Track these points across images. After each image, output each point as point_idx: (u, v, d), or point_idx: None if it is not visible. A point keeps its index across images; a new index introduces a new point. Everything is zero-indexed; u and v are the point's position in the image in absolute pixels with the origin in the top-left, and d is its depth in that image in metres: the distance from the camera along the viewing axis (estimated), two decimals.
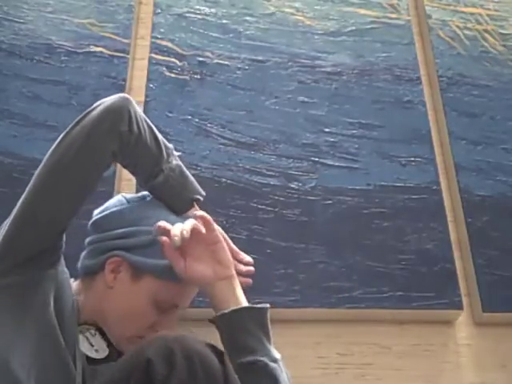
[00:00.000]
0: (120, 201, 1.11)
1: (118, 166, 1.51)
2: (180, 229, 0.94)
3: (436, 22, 1.85)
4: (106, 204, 1.13)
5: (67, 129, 1.00)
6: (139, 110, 1.05)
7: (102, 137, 0.97)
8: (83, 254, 1.10)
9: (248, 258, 1.11)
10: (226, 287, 0.97)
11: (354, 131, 1.62)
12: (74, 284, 1.06)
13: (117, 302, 1.01)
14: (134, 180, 1.48)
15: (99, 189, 1.43)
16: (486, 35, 1.85)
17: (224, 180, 1.50)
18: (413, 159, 1.60)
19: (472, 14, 1.89)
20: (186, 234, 0.93)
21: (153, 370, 0.83)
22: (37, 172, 0.98)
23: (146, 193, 1.13)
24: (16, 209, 0.97)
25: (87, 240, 1.11)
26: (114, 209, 1.08)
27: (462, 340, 1.41)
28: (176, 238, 0.92)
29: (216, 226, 1.01)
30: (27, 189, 0.99)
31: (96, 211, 1.13)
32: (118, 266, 1.03)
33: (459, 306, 1.40)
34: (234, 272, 1.00)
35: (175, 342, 0.86)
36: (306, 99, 1.66)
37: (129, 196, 1.13)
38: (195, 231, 0.96)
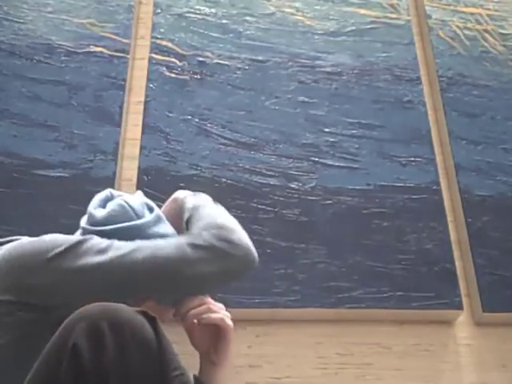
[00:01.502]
0: (127, 212, 1.05)
1: (118, 166, 1.51)
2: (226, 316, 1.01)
3: (436, 22, 1.85)
4: (108, 210, 1.06)
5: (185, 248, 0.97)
6: None
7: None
8: None
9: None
10: (209, 369, 1.00)
11: (354, 131, 1.62)
12: None
13: None
14: (134, 180, 1.49)
15: (99, 189, 1.44)
16: (486, 35, 1.85)
17: (224, 180, 1.50)
18: (413, 159, 1.60)
19: (472, 13, 1.89)
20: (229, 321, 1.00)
21: (80, 356, 0.77)
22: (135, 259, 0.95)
23: (149, 203, 1.12)
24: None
25: None
26: (125, 224, 1.04)
27: (461, 340, 1.41)
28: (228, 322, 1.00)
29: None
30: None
31: (96, 213, 1.06)
32: None
33: (459, 306, 1.40)
34: (223, 364, 1.02)
35: (102, 316, 0.81)
36: (306, 99, 1.66)
37: (132, 204, 1.07)
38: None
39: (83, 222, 1.06)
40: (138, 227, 1.03)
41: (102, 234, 1.00)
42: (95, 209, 1.07)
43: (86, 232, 1.03)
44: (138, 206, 1.08)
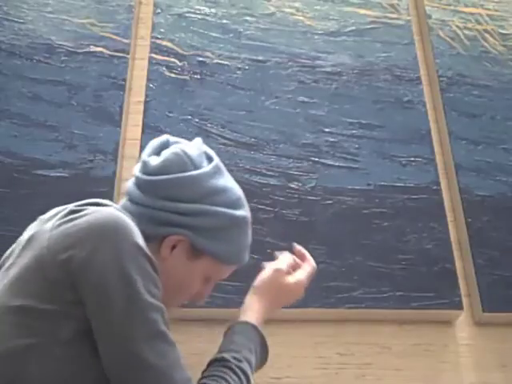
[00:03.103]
0: (183, 161, 0.97)
1: (118, 166, 1.51)
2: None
3: (436, 22, 1.85)
4: (162, 158, 0.97)
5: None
6: None
7: None
8: (128, 204, 0.99)
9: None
10: (266, 311, 1.02)
11: (354, 131, 1.62)
12: None
13: (166, 274, 0.94)
14: None
15: (99, 189, 1.45)
16: (486, 35, 1.85)
17: None
18: (413, 159, 1.60)
19: (472, 14, 1.89)
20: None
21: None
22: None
23: (209, 152, 1.04)
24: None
25: (139, 199, 0.97)
26: (180, 174, 0.96)
27: (462, 340, 1.41)
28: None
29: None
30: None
31: (150, 160, 0.98)
32: (177, 242, 0.97)
33: (459, 306, 1.40)
34: (263, 299, 1.03)
35: None
36: (305, 99, 1.66)
37: (189, 152, 0.99)
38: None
39: (137, 170, 1.00)
40: (194, 178, 0.96)
41: (154, 185, 0.95)
42: (149, 156, 1.00)
43: (139, 181, 0.97)
44: (196, 155, 0.99)
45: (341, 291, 1.38)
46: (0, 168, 1.46)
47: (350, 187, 1.53)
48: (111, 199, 1.44)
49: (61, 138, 1.52)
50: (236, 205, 1.01)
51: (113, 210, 0.88)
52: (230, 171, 1.51)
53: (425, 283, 1.42)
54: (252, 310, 1.00)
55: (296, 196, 1.50)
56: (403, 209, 1.52)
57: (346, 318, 1.38)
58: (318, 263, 1.42)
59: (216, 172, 1.00)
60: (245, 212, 1.03)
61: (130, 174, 1.50)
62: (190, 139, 1.55)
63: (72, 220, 0.87)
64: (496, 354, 1.39)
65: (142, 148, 1.52)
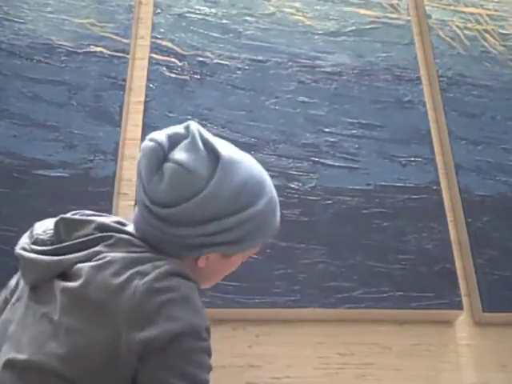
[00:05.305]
0: (190, 181, 0.86)
1: (118, 166, 1.51)
2: None
3: (436, 22, 1.85)
4: (167, 182, 0.87)
5: None
6: None
7: None
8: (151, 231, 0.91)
9: None
10: None
11: (354, 131, 1.62)
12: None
13: (205, 274, 0.95)
14: (134, 180, 1.49)
15: (99, 189, 1.45)
16: (486, 35, 1.85)
17: None
18: (413, 159, 1.60)
19: (472, 14, 1.89)
20: None
21: None
22: None
23: (208, 143, 0.90)
24: None
25: (164, 229, 0.89)
26: (196, 199, 0.86)
27: (462, 340, 1.41)
28: None
29: None
30: None
31: (156, 185, 0.88)
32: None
33: (459, 306, 1.40)
34: None
35: None
36: (305, 99, 1.66)
37: (190, 165, 0.86)
38: None
39: (145, 198, 0.89)
40: (209, 196, 0.86)
41: (174, 216, 0.87)
42: (152, 177, 0.88)
43: (156, 212, 0.88)
44: (198, 164, 0.87)
45: (341, 291, 1.38)
46: (0, 168, 1.46)
47: (350, 187, 1.53)
48: (111, 199, 1.44)
49: (61, 138, 1.52)
50: (259, 194, 0.93)
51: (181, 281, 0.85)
52: None
53: (425, 283, 1.42)
54: None
55: (296, 196, 1.50)
56: (403, 209, 1.52)
57: (345, 318, 1.38)
58: (318, 263, 1.43)
59: (226, 172, 0.88)
60: (269, 195, 0.95)
61: (130, 174, 1.51)
62: None
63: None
64: (496, 354, 1.39)
65: None
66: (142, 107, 1.60)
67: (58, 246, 0.90)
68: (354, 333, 1.38)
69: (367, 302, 1.38)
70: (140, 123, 1.57)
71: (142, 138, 1.54)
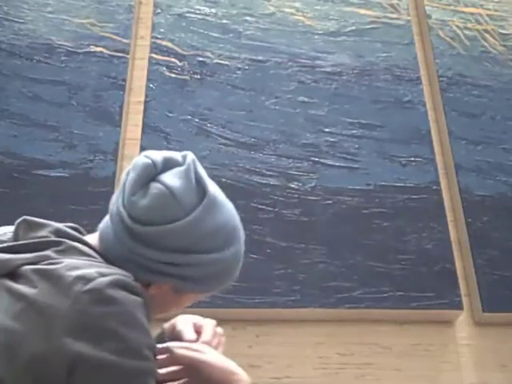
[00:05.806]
0: (172, 207, 0.87)
1: (118, 166, 1.51)
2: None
3: (436, 22, 1.85)
4: (148, 201, 0.86)
5: None
6: None
7: None
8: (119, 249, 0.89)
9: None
10: None
11: (354, 131, 1.62)
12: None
13: (157, 301, 0.96)
14: None
15: (99, 189, 1.45)
16: (486, 35, 1.85)
17: (224, 180, 1.50)
18: (413, 159, 1.60)
19: (472, 14, 1.89)
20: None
21: None
22: None
23: (201, 179, 0.90)
24: None
25: (128, 245, 0.88)
26: (170, 226, 0.87)
27: (462, 340, 1.41)
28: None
29: None
30: None
31: (137, 202, 0.86)
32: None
33: (459, 306, 1.40)
34: None
35: None
36: (306, 99, 1.66)
37: (177, 191, 0.86)
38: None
39: (120, 204, 0.88)
40: (184, 228, 0.86)
41: (143, 235, 0.86)
42: (136, 191, 0.87)
43: (127, 225, 0.87)
44: (185, 194, 0.87)
45: (341, 291, 1.38)
46: (0, 168, 1.46)
47: (350, 187, 1.53)
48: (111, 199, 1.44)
49: (61, 138, 1.52)
50: (229, 241, 0.94)
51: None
52: (230, 171, 1.54)
53: (425, 283, 1.42)
54: None
55: (296, 196, 1.50)
56: (403, 209, 1.52)
57: (345, 318, 1.38)
58: (317, 263, 1.43)
59: (208, 210, 0.88)
60: (237, 246, 0.95)
61: None
62: (190, 139, 1.56)
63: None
64: (496, 354, 1.39)
65: (142, 148, 1.53)
66: (142, 107, 1.60)
67: (11, 244, 0.90)
68: (354, 333, 1.38)
69: (367, 302, 1.38)
70: (140, 123, 1.57)
71: (142, 138, 1.54)
